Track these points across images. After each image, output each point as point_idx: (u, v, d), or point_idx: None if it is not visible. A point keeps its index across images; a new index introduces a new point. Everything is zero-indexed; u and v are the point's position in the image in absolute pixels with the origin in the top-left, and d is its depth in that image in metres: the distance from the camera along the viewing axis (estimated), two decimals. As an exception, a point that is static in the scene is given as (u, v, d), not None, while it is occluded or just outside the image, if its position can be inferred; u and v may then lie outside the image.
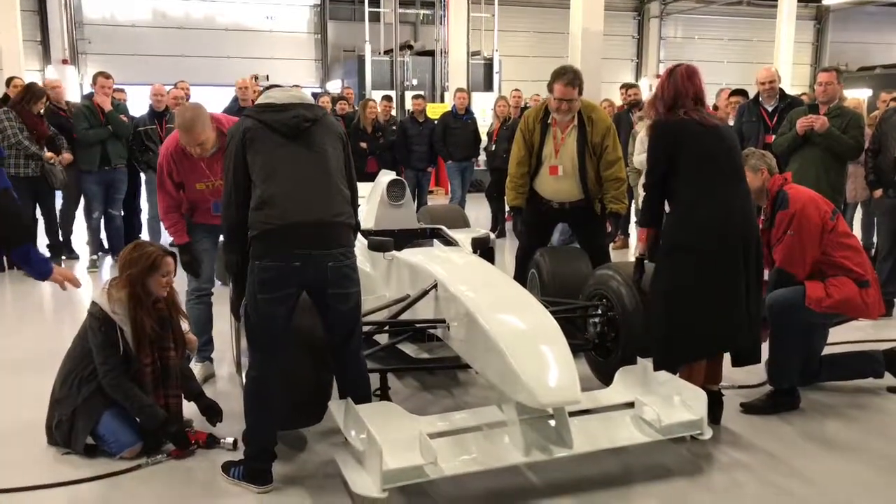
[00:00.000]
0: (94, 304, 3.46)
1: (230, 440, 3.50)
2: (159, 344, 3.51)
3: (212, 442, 3.51)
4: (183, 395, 3.64)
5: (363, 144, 8.93)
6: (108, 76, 7.50)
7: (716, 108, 7.89)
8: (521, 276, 4.98)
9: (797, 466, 3.38)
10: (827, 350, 4.27)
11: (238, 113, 8.14)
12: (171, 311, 3.59)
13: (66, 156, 7.22)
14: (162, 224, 4.46)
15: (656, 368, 3.52)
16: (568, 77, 4.57)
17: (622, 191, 4.79)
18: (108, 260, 7.91)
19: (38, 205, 7.38)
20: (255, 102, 3.31)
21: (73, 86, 16.12)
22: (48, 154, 7.07)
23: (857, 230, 8.16)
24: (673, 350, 3.57)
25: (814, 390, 4.20)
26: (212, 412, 3.65)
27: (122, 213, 8.00)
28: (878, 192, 5.91)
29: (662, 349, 3.59)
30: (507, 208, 9.53)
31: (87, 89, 8.03)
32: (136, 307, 3.40)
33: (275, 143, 3.11)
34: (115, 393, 3.39)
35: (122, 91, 8.42)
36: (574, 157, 4.73)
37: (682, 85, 3.58)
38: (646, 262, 3.91)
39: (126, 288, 3.41)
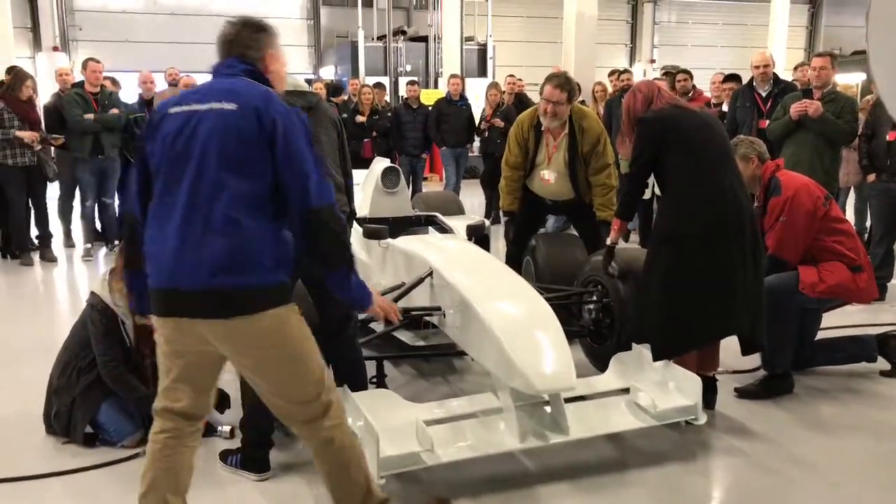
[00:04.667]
0: (94, 294, 3.44)
1: (227, 428, 3.51)
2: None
3: (209, 430, 3.51)
4: None
5: (360, 119, 9.11)
6: (97, 61, 7.44)
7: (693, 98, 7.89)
8: (514, 264, 4.98)
9: (791, 451, 3.41)
10: (820, 335, 4.30)
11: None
12: None
13: (57, 139, 7.17)
14: None
15: (656, 359, 3.52)
16: (559, 80, 4.58)
17: (609, 197, 4.78)
18: (103, 249, 7.88)
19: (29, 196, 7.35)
20: None
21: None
22: (30, 135, 6.98)
23: (849, 215, 8.19)
24: (673, 339, 3.55)
25: (807, 375, 4.23)
26: (219, 399, 3.65)
27: (118, 202, 8.00)
28: (872, 177, 5.93)
29: (662, 339, 3.56)
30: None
31: (79, 76, 7.96)
32: None
33: None
34: (115, 385, 3.38)
35: (115, 83, 8.32)
36: (564, 166, 4.76)
37: (645, 87, 3.69)
38: (615, 248, 3.97)
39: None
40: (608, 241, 3.99)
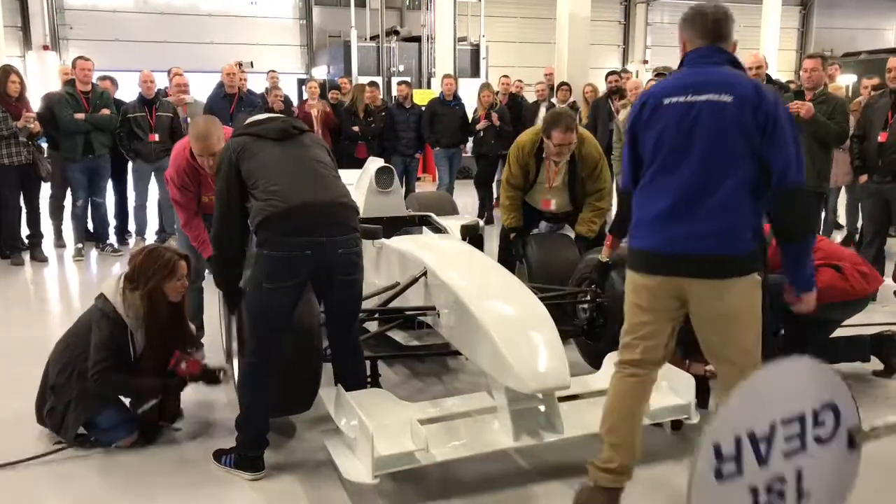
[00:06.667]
0: (105, 300, 3.36)
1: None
2: (165, 347, 3.47)
3: (208, 375, 3.53)
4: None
5: (355, 128, 8.97)
6: (86, 60, 7.40)
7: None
8: (505, 262, 4.98)
9: (783, 449, 3.42)
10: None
11: (223, 99, 8.10)
12: (178, 314, 3.52)
13: (35, 125, 7.00)
14: (159, 219, 4.44)
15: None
16: (566, 122, 4.58)
17: (598, 214, 4.89)
18: (94, 249, 7.84)
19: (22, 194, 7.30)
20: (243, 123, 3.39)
21: (53, 72, 15.93)
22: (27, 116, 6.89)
23: (840, 216, 8.24)
24: None
25: (800, 374, 4.24)
26: (210, 376, 3.59)
27: (116, 201, 8.01)
28: (864, 178, 5.96)
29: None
30: (494, 194, 9.53)
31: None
32: (151, 314, 3.36)
33: (267, 146, 3.18)
34: (103, 388, 3.32)
35: (108, 80, 8.24)
36: (565, 190, 4.90)
37: None
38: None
39: (143, 294, 3.33)
40: (601, 257, 4.00)
